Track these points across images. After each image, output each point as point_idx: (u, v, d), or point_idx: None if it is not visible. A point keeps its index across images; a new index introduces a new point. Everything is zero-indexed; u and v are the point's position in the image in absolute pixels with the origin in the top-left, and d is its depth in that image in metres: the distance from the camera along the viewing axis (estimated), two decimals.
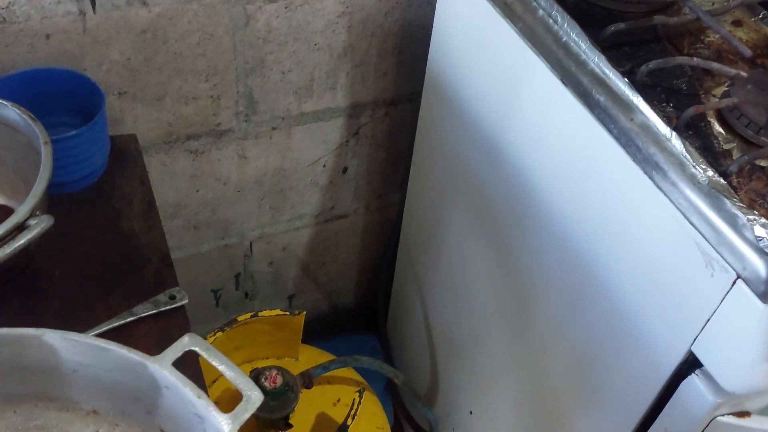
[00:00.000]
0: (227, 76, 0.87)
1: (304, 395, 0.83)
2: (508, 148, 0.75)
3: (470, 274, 0.90)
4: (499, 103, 0.75)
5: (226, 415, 0.46)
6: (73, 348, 0.50)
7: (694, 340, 0.56)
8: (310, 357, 0.92)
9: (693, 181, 0.53)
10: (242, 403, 0.47)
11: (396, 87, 0.99)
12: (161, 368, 0.48)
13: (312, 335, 1.07)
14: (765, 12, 0.71)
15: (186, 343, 0.49)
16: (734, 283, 0.51)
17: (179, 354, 0.49)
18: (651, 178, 0.56)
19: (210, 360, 0.49)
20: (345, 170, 1.05)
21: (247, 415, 0.46)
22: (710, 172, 0.53)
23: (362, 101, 0.98)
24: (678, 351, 0.57)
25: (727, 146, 0.59)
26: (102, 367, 0.51)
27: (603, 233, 0.64)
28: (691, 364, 0.57)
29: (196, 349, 0.49)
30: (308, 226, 1.09)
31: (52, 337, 0.49)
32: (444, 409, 1.06)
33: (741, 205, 0.51)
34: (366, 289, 1.26)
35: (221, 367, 0.49)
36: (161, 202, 0.93)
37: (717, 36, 0.68)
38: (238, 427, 0.45)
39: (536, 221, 0.73)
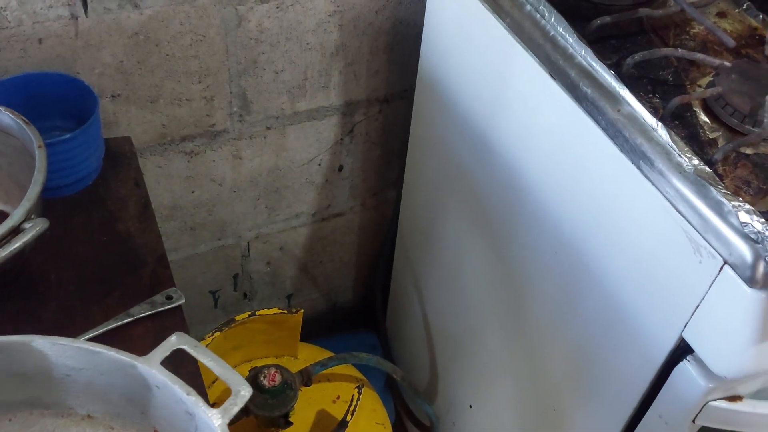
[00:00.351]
0: (220, 77, 0.88)
1: (304, 393, 0.84)
2: (499, 143, 0.76)
3: (466, 270, 0.91)
4: (489, 98, 0.77)
5: (215, 410, 0.47)
6: (63, 353, 0.51)
7: (685, 326, 0.57)
8: (309, 355, 0.93)
9: (679, 169, 0.54)
10: (231, 397, 0.48)
11: (389, 85, 1.00)
12: (150, 367, 0.49)
13: (311, 334, 1.08)
14: (749, 3, 0.72)
15: (174, 342, 0.50)
16: (721, 269, 0.52)
17: (167, 353, 0.50)
18: (638, 167, 0.57)
19: (198, 357, 0.50)
20: (340, 168, 1.06)
21: (236, 409, 0.47)
22: (696, 161, 0.54)
23: (356, 99, 0.99)
24: (669, 338, 0.58)
25: (712, 135, 0.60)
26: (94, 371, 0.51)
27: (593, 224, 0.65)
28: (682, 351, 0.58)
29: (184, 347, 0.50)
30: (305, 225, 1.10)
31: (42, 343, 0.50)
32: (444, 404, 1.07)
33: (726, 192, 0.52)
34: (364, 287, 1.27)
35: (210, 364, 0.50)
36: (157, 204, 0.94)
37: (701, 27, 0.69)
38: (227, 421, 0.46)
39: (529, 215, 0.74)
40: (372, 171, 1.09)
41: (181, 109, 0.89)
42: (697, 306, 0.55)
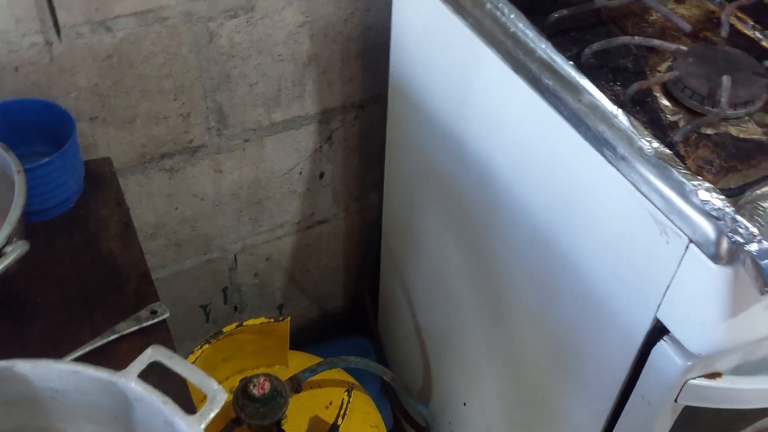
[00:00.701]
0: (195, 93, 0.89)
1: (295, 400, 0.84)
2: (471, 141, 0.78)
3: (449, 269, 0.92)
4: (458, 97, 0.78)
5: (191, 416, 0.48)
6: (45, 375, 0.51)
7: (658, 307, 0.58)
8: (300, 362, 0.93)
9: (640, 153, 0.55)
10: (207, 403, 0.49)
11: (363, 90, 1.02)
12: (128, 381, 0.50)
13: (304, 342, 1.09)
14: None
15: (150, 354, 0.51)
16: (687, 247, 0.53)
17: (144, 366, 0.51)
18: (602, 154, 0.59)
19: (173, 367, 0.51)
20: (321, 176, 1.07)
21: (212, 414, 0.48)
22: (656, 144, 0.55)
23: (331, 107, 1.01)
24: (645, 319, 0.59)
25: (673, 118, 0.61)
26: (77, 391, 0.52)
27: (565, 213, 0.66)
28: (659, 332, 0.59)
29: (160, 359, 0.51)
30: (290, 234, 1.11)
31: (23, 366, 0.51)
32: (439, 404, 1.08)
33: (686, 172, 0.53)
34: (354, 292, 1.27)
35: (185, 373, 0.51)
36: (140, 223, 0.95)
37: (660, 14, 0.70)
38: (204, 425, 0.47)
39: (503, 209, 0.75)
40: (353, 176, 1.11)
41: (159, 128, 0.90)
42: (668, 286, 0.56)
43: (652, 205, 0.55)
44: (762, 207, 0.51)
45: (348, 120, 1.03)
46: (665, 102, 0.63)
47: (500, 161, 0.74)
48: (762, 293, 0.49)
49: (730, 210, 0.50)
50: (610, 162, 0.58)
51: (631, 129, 0.56)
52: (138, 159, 0.91)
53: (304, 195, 1.08)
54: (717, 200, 0.51)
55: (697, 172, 0.56)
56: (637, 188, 0.56)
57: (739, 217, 0.50)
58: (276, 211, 1.07)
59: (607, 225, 0.61)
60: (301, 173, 1.04)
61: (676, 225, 0.54)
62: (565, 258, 0.68)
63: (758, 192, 0.52)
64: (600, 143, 0.58)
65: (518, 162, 0.71)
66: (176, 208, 0.98)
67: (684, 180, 0.53)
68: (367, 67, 0.99)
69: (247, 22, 0.87)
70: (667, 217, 0.54)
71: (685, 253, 0.54)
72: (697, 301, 0.54)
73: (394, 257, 1.09)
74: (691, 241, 0.53)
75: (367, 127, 1.06)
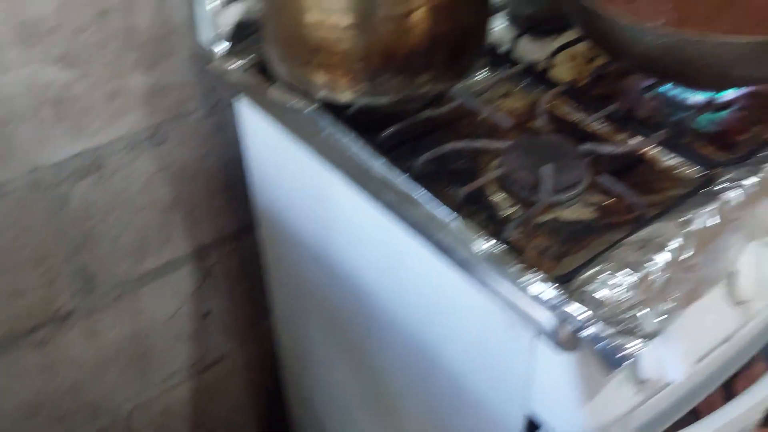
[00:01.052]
0: (56, 260, 0.90)
1: None
2: (337, 257, 0.81)
3: (344, 387, 0.93)
4: (320, 217, 0.82)
5: None
6: None
7: (526, 401, 0.61)
8: None
9: (476, 254, 0.60)
10: None
11: (236, 221, 1.05)
12: None
13: None
14: (528, 79, 0.81)
15: None
16: (534, 340, 0.57)
17: None
18: (447, 260, 0.63)
19: None
20: (207, 314, 1.08)
21: None
22: (489, 243, 0.60)
23: (204, 243, 1.03)
24: (517, 416, 0.63)
25: (509, 212, 0.67)
26: None
27: (431, 319, 0.70)
28: (534, 426, 0.62)
29: None
30: (184, 381, 1.10)
31: None
32: None
33: (521, 266, 0.58)
34: (270, 425, 1.26)
35: None
36: (17, 402, 0.93)
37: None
38: None
39: (376, 321, 0.78)
40: (242, 307, 1.12)
41: (22, 301, 0.89)
42: (528, 379, 0.59)
43: (497, 302, 0.59)
44: (590, 290, 0.55)
45: (225, 252, 1.06)
46: (501, 197, 0.68)
47: (366, 274, 0.77)
48: (606, 374, 0.53)
49: (562, 298, 0.55)
50: (455, 266, 0.62)
51: (464, 232, 0.61)
52: (4, 338, 0.90)
53: (193, 337, 1.08)
54: (551, 290, 0.56)
55: (537, 261, 0.61)
56: (482, 287, 0.60)
57: (571, 305, 0.54)
58: (164, 361, 1.06)
59: (468, 327, 0.65)
60: (184, 316, 1.05)
61: (520, 320, 0.58)
62: (440, 363, 0.71)
63: (586, 275, 0.56)
64: (443, 249, 0.63)
65: (381, 273, 0.75)
66: (54, 380, 0.96)
67: (518, 274, 0.57)
68: (236, 197, 1.03)
69: (99, 180, 0.89)
70: (511, 312, 0.58)
71: (533, 345, 0.57)
72: (556, 390, 0.58)
73: (297, 383, 1.10)
74: (536, 333, 0.57)
75: (248, 255, 1.08)
